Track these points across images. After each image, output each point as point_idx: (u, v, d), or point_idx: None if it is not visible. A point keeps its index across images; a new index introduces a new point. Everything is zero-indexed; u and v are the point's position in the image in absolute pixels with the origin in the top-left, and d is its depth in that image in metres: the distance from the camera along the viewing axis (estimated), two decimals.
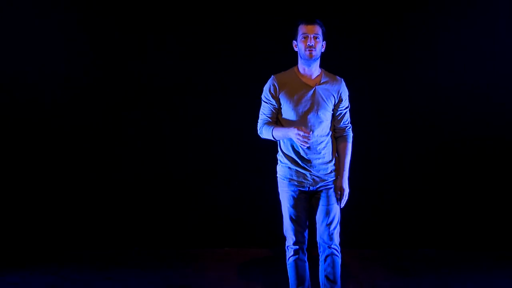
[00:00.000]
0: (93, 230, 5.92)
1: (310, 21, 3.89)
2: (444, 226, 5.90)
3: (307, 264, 4.04)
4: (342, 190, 4.01)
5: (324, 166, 3.97)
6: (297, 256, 4.00)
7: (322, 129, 3.97)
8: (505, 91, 5.81)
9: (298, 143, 3.77)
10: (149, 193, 5.94)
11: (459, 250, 5.83)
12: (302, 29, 3.89)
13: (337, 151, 4.07)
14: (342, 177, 4.02)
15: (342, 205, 4.04)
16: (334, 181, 4.02)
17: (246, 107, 5.80)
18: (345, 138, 4.07)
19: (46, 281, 5.05)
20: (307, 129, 3.87)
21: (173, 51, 5.85)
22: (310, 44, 3.86)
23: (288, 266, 4.04)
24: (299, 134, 3.73)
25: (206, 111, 5.90)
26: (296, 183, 3.99)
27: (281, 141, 4.03)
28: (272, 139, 4.01)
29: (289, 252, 4.02)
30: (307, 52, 3.87)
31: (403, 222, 5.91)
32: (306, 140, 3.72)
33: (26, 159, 5.88)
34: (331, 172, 4.01)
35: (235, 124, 5.89)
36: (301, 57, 3.95)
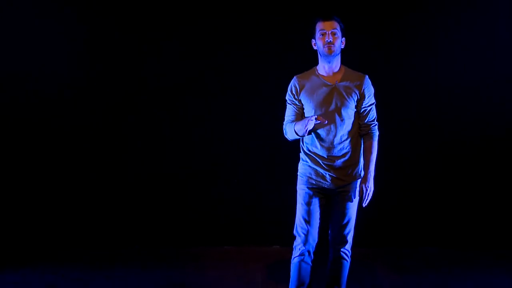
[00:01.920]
0: (93, 229, 5.92)
1: (327, 18, 3.80)
2: (444, 224, 5.89)
3: (310, 267, 3.97)
4: (366, 189, 3.90)
5: (344, 166, 3.87)
6: (302, 257, 3.93)
7: (345, 128, 3.85)
8: (505, 91, 5.81)
9: (309, 125, 3.66)
10: (149, 192, 5.93)
11: (460, 249, 5.82)
12: (319, 26, 3.80)
13: (363, 150, 3.97)
14: (366, 175, 3.92)
15: (365, 204, 3.94)
16: (351, 183, 3.92)
17: (247, 107, 5.85)
18: (370, 136, 3.94)
19: (46, 280, 5.05)
20: (327, 123, 3.76)
21: (174, 51, 5.85)
22: (329, 40, 3.77)
23: (291, 265, 3.99)
24: (311, 119, 3.64)
25: (206, 110, 5.90)
26: (314, 182, 3.91)
27: (303, 139, 3.95)
28: (297, 136, 3.91)
29: (295, 252, 3.96)
30: (326, 48, 3.78)
31: (404, 221, 5.91)
32: (313, 120, 3.63)
33: (26, 159, 5.87)
34: (352, 174, 3.91)
35: (235, 124, 5.89)
36: (320, 54, 3.85)
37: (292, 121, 3.96)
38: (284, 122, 4.03)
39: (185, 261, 5.53)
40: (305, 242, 3.92)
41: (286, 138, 4.04)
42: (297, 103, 3.94)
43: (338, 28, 3.81)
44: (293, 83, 3.95)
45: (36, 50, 5.81)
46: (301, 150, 4.00)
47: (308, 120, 3.68)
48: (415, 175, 5.90)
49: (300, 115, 3.96)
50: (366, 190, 3.91)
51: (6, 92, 5.83)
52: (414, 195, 5.91)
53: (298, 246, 3.95)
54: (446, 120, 5.87)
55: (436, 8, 5.78)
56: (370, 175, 3.92)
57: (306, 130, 3.70)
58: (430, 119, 5.87)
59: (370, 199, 3.94)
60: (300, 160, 4.02)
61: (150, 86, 5.89)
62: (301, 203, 3.95)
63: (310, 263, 3.96)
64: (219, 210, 5.94)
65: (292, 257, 3.99)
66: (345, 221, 3.93)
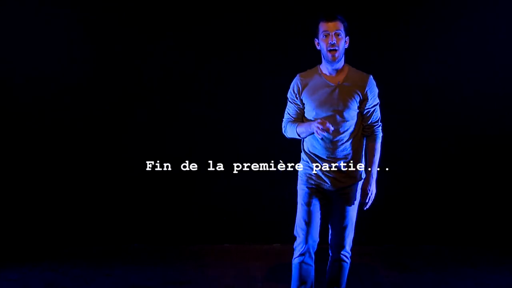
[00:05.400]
0: (93, 227, 5.91)
1: (330, 18, 3.70)
2: (444, 222, 5.90)
3: (312, 267, 3.93)
4: (368, 192, 3.86)
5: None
6: (302, 258, 3.89)
7: (347, 129, 3.78)
8: (505, 90, 5.81)
9: (316, 134, 3.61)
10: (149, 189, 5.93)
11: (459, 247, 5.84)
12: (322, 26, 3.70)
13: (365, 151, 3.91)
14: (369, 178, 3.87)
15: (367, 207, 3.91)
16: (352, 185, 3.87)
17: (248, 105, 5.83)
18: (373, 138, 3.89)
19: (46, 277, 5.05)
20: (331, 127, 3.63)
21: (175, 49, 5.82)
22: (332, 42, 3.67)
23: (292, 266, 3.95)
24: (320, 124, 3.56)
25: (207, 108, 5.89)
26: (313, 183, 3.86)
27: (305, 138, 3.89)
28: (297, 137, 3.87)
29: (296, 253, 3.92)
30: (330, 55, 3.69)
31: (403, 219, 5.91)
32: (324, 132, 3.55)
33: (25, 156, 5.85)
34: (352, 175, 3.85)
35: (236, 121, 5.88)
36: (323, 57, 3.77)
37: (293, 121, 3.91)
38: (284, 119, 3.98)
39: (185, 259, 5.53)
40: (305, 242, 3.87)
41: (284, 135, 4.00)
42: (298, 103, 3.86)
43: (342, 28, 3.72)
44: (296, 81, 3.87)
45: (37, 47, 5.78)
46: (302, 150, 3.96)
47: (316, 130, 3.59)
48: (414, 171, 5.90)
49: (301, 115, 3.89)
50: (369, 193, 3.87)
51: (5, 90, 5.81)
52: (414, 192, 5.92)
53: (298, 246, 3.91)
54: (446, 118, 5.86)
55: (437, 7, 5.76)
56: (373, 178, 3.88)
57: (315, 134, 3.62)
58: (429, 118, 5.87)
59: (372, 202, 3.92)
60: (301, 159, 3.96)
61: (150, 83, 5.87)
62: (301, 204, 3.90)
63: (311, 263, 3.92)
64: (220, 208, 5.94)
65: (293, 257, 3.95)
66: (345, 223, 3.88)
